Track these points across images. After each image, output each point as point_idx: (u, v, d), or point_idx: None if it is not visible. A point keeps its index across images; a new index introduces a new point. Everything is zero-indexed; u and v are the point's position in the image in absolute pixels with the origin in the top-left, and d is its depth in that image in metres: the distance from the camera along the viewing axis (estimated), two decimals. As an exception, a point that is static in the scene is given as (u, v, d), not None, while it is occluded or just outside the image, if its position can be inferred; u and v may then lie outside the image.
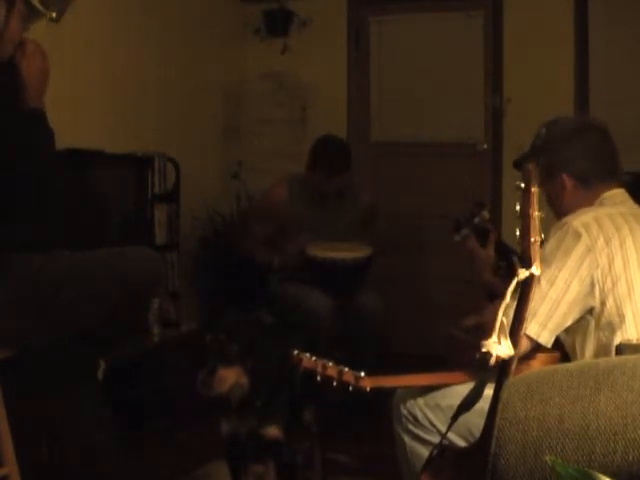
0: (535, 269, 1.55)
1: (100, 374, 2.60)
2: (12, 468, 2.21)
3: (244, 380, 2.45)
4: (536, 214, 1.56)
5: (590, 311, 2.01)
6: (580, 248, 1.99)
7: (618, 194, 2.20)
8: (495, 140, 4.86)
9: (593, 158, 2.21)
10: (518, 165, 2.36)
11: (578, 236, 2.00)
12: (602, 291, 1.98)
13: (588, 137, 2.24)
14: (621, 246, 2.00)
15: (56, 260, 2.22)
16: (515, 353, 1.60)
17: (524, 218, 1.57)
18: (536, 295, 1.75)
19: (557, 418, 1.39)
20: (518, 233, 1.58)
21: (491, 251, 2.51)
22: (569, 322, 2.02)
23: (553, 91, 4.65)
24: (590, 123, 2.33)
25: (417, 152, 5.11)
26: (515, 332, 1.60)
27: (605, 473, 1.12)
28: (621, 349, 1.86)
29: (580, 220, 2.04)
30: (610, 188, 2.20)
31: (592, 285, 1.99)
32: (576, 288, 1.98)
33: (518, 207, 1.58)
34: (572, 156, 2.19)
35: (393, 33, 5.16)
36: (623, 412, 1.37)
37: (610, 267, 1.98)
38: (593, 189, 2.19)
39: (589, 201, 2.18)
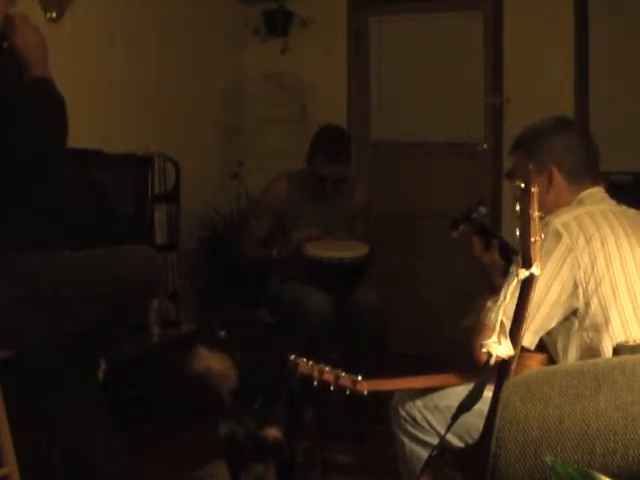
0: (535, 269, 1.55)
1: (101, 374, 2.60)
2: (12, 468, 2.21)
3: (232, 373, 2.43)
4: (536, 214, 1.56)
5: (574, 312, 1.99)
6: (561, 248, 1.98)
7: (597, 192, 2.18)
8: (495, 140, 4.86)
9: (577, 153, 2.20)
10: (510, 175, 2.36)
11: (559, 236, 1.99)
12: (586, 292, 1.97)
13: (570, 133, 2.24)
14: (603, 245, 1.99)
15: (56, 260, 2.22)
16: (515, 353, 1.60)
17: (524, 218, 1.56)
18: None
19: (557, 418, 1.39)
20: (518, 233, 1.58)
21: (496, 255, 2.49)
22: (553, 324, 2.00)
23: (553, 91, 4.65)
24: (569, 121, 2.32)
25: (417, 152, 5.11)
26: (515, 332, 1.60)
27: (605, 473, 1.12)
28: (619, 350, 1.85)
29: (560, 220, 2.03)
30: (589, 186, 2.18)
31: (575, 286, 1.97)
32: (557, 289, 1.97)
33: (518, 207, 1.58)
34: (558, 149, 2.17)
35: (393, 33, 5.16)
36: (623, 412, 1.37)
37: (593, 267, 1.97)
38: (576, 186, 2.17)
39: (569, 199, 2.16)
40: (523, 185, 1.57)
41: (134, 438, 2.76)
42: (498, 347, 1.58)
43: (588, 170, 2.20)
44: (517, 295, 1.62)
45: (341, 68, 5.18)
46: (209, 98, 5.05)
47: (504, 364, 1.62)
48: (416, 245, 5.10)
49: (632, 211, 2.16)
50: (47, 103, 2.16)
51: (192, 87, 4.82)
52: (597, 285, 1.96)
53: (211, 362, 2.41)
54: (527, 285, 1.58)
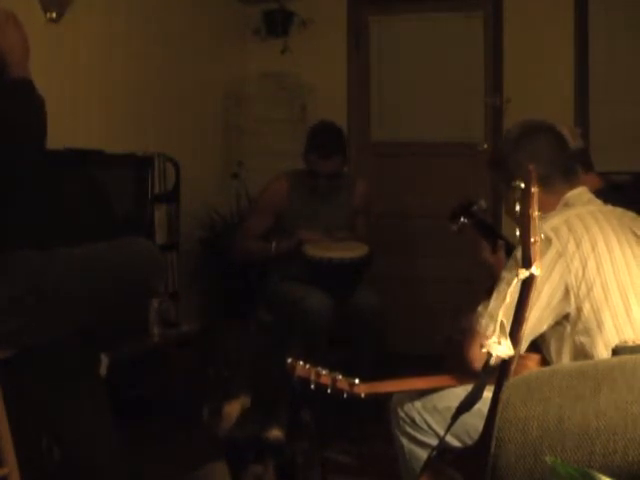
0: (535, 269, 1.55)
1: (103, 369, 2.60)
2: (12, 468, 2.21)
3: (247, 401, 2.43)
4: (536, 214, 1.56)
5: (566, 317, 1.99)
6: (551, 253, 1.98)
7: (583, 193, 2.17)
8: (495, 140, 4.86)
9: (548, 158, 2.15)
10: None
11: (548, 241, 1.98)
12: (577, 297, 1.97)
13: (537, 139, 2.19)
14: (593, 248, 1.98)
15: (56, 259, 2.22)
16: (515, 353, 1.60)
17: (524, 218, 1.56)
18: None
19: (557, 418, 1.39)
20: (518, 233, 1.58)
21: (502, 256, 2.48)
22: (543, 328, 2.00)
23: (553, 91, 4.65)
24: (537, 125, 2.25)
25: (417, 152, 5.11)
26: (515, 332, 1.60)
27: (605, 473, 1.12)
28: (618, 351, 1.85)
29: (550, 224, 2.02)
30: (572, 187, 2.16)
31: (566, 291, 1.97)
32: (547, 293, 1.96)
33: (518, 207, 1.58)
34: (524, 159, 2.09)
35: (393, 33, 5.16)
36: (623, 412, 1.37)
37: (584, 272, 1.96)
38: (554, 191, 2.14)
39: (552, 204, 2.12)
40: (523, 185, 1.57)
41: (134, 438, 2.76)
42: (498, 347, 1.58)
43: (562, 172, 2.17)
44: (517, 295, 1.61)
45: (341, 68, 5.18)
46: (209, 98, 5.05)
47: (504, 364, 1.61)
48: (416, 245, 5.09)
49: (619, 210, 2.15)
50: (30, 104, 2.15)
51: (192, 87, 4.82)
52: (589, 289, 1.96)
53: (236, 411, 2.40)
54: (527, 285, 1.58)
